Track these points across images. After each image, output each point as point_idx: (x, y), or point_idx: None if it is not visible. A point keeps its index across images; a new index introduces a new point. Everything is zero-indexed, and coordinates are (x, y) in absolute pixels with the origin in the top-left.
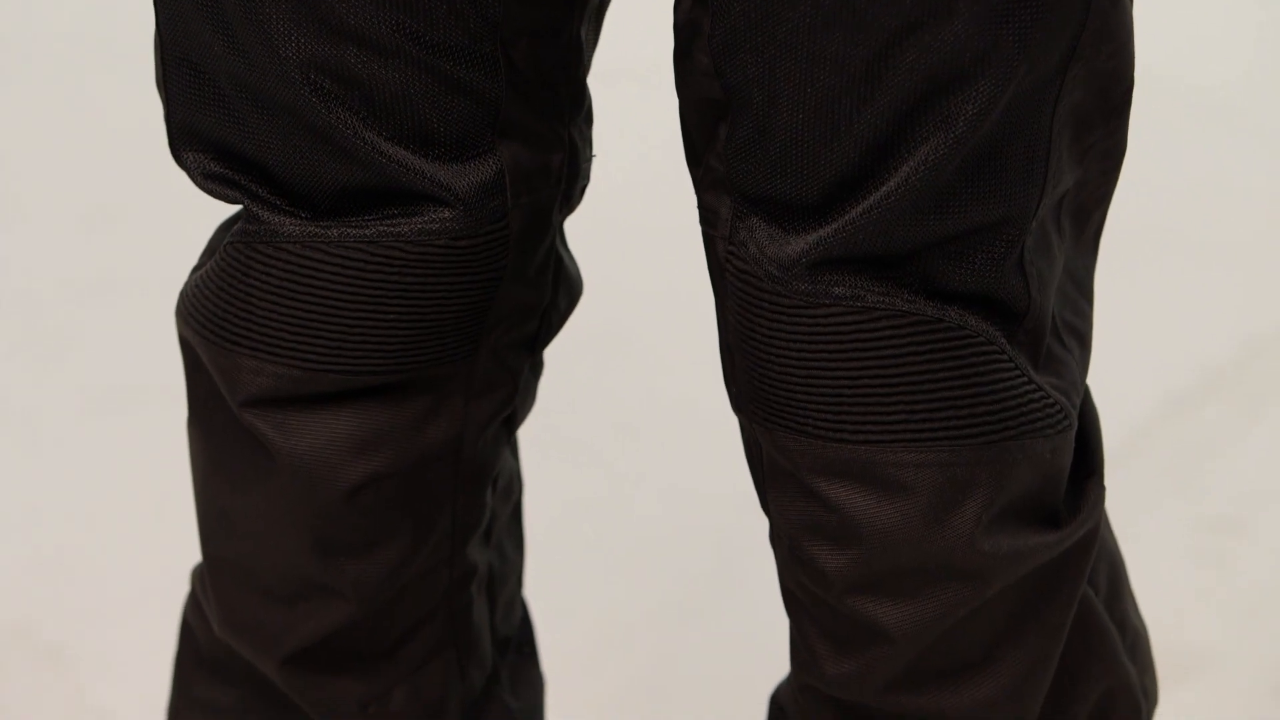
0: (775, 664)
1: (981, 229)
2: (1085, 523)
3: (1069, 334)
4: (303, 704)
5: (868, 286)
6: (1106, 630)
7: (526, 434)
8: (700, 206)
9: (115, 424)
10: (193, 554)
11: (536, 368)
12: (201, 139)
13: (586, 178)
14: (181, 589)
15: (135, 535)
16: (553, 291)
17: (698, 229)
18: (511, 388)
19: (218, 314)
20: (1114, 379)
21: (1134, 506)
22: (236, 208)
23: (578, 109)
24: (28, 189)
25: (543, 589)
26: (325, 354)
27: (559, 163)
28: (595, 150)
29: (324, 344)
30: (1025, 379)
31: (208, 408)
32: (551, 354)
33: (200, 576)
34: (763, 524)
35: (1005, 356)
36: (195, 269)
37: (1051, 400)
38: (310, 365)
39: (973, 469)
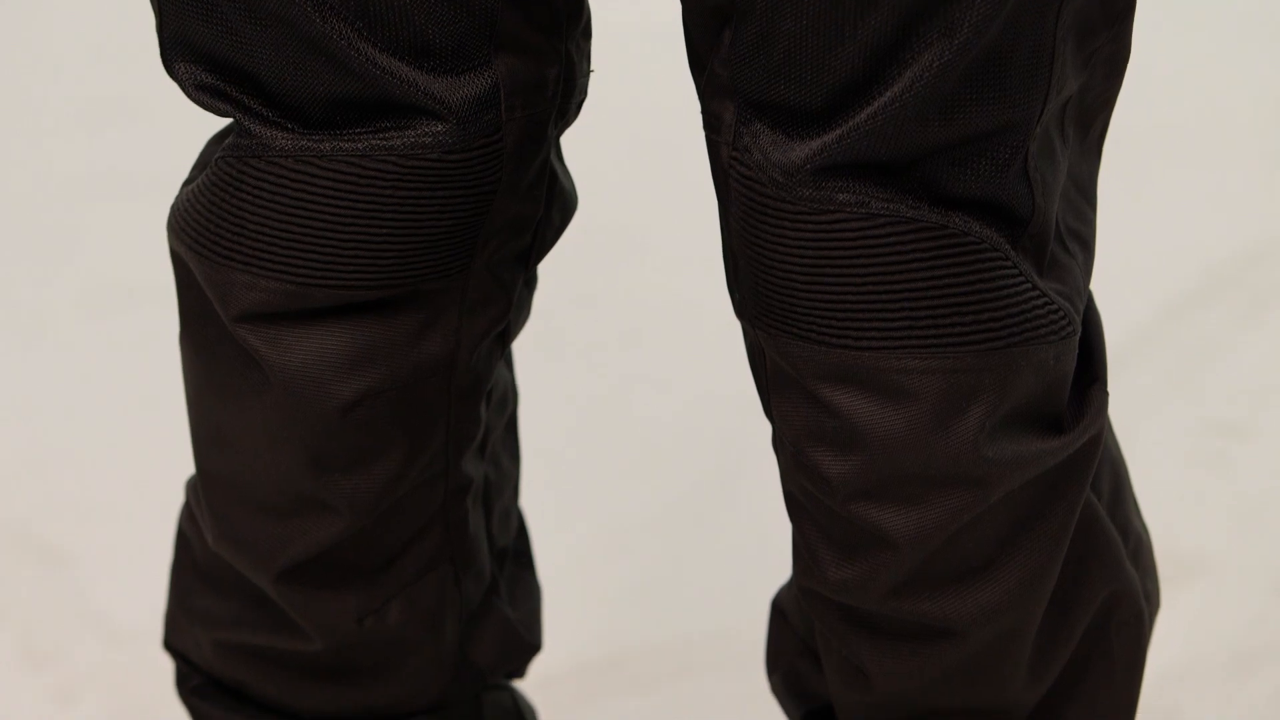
0: (776, 569)
1: (985, 135)
2: (1088, 429)
3: (1073, 240)
4: (298, 617)
5: (872, 193)
6: (1109, 536)
7: (528, 339)
8: (704, 112)
9: (117, 322)
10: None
11: (530, 282)
12: (193, 50)
13: (583, 93)
14: (182, 490)
15: (136, 436)
16: (546, 206)
17: (703, 134)
18: (506, 302)
19: (210, 229)
20: (1115, 283)
21: (1135, 410)
22: (228, 120)
23: (575, 23)
24: (31, 86)
25: (542, 494)
26: (318, 269)
27: (555, 77)
28: (593, 65)
29: (317, 259)
30: (1029, 285)
31: (200, 322)
32: (555, 259)
33: (194, 489)
34: (764, 428)
35: (1009, 263)
36: (186, 182)
37: (1055, 306)
38: (303, 280)
39: (977, 375)
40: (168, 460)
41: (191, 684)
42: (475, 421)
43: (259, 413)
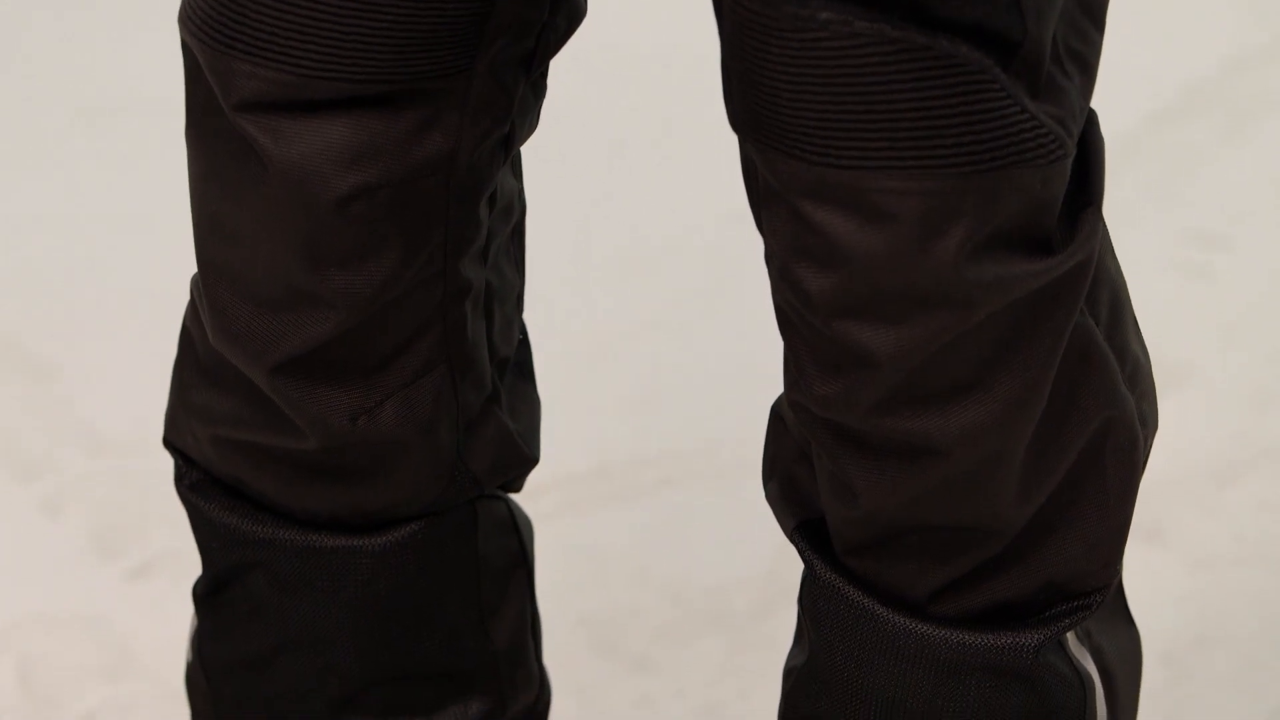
0: (763, 383)
1: None
2: (1077, 253)
3: (1072, 61)
4: (292, 414)
5: (856, 12)
6: (1105, 359)
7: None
8: None
9: (105, 137)
10: (182, 268)
11: (538, 89)
12: None
13: None
14: (170, 303)
15: (123, 250)
16: (552, 11)
17: None
18: (507, 106)
19: (214, 17)
20: (1096, 96)
21: (1117, 220)
22: None
23: None
24: None
25: (530, 304)
26: (317, 61)
27: None
28: None
29: (316, 50)
30: (1018, 108)
31: (204, 114)
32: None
33: (197, 285)
34: (754, 242)
35: (997, 85)
36: None
37: (1045, 130)
38: (304, 71)
39: (958, 197)
40: (154, 274)
41: (189, 480)
42: (475, 224)
43: (257, 204)
